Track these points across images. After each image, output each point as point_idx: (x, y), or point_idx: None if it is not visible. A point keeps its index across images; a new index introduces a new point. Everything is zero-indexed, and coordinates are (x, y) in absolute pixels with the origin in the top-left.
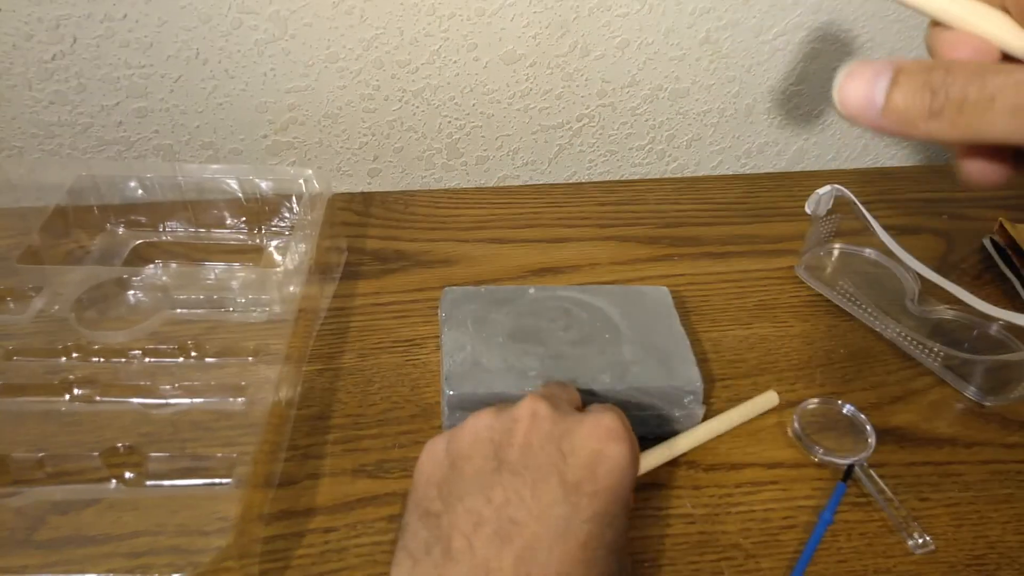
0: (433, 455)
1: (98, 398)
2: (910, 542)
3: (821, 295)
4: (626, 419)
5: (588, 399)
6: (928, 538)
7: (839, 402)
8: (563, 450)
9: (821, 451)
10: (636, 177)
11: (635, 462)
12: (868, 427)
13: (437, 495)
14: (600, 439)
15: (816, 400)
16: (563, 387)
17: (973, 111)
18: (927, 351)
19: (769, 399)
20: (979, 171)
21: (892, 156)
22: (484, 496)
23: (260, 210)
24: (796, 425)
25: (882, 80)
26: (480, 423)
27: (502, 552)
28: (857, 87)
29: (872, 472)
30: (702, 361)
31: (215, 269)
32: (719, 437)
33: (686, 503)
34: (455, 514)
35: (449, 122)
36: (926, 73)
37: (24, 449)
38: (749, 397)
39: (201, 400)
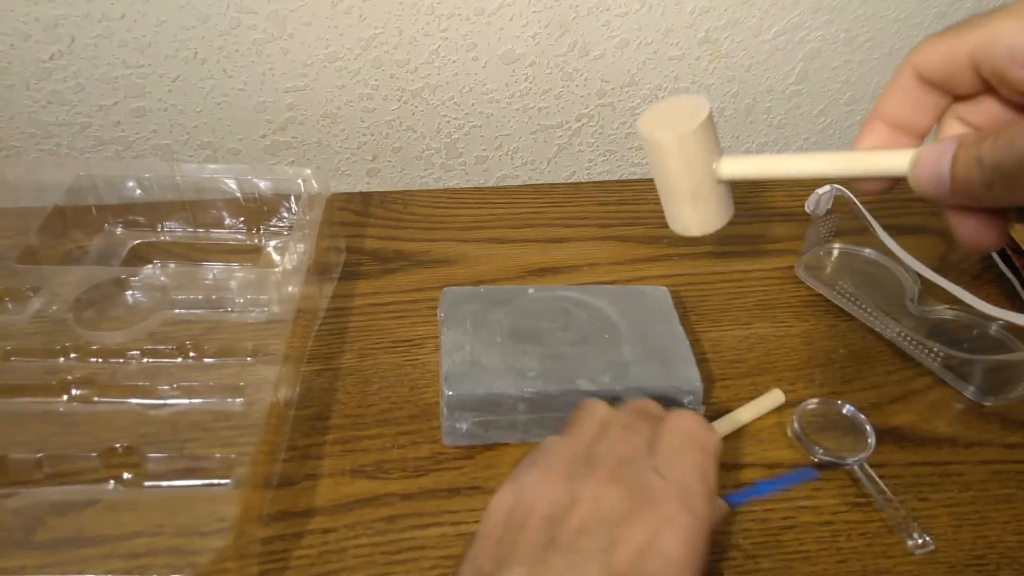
0: (498, 509)
1: (96, 399)
2: (910, 542)
3: (821, 295)
4: (709, 479)
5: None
6: (928, 538)
7: (839, 402)
8: (614, 537)
9: (821, 451)
10: (635, 177)
11: (696, 553)
12: (868, 427)
13: (489, 556)
14: (655, 527)
15: (816, 400)
16: (644, 414)
17: (1010, 178)
18: (927, 351)
19: (775, 397)
20: (974, 233)
21: None
22: (528, 571)
23: (259, 210)
24: (796, 425)
25: (946, 158)
26: (543, 488)
27: None
28: (924, 168)
29: (872, 472)
30: (701, 361)
31: (214, 269)
32: None
33: None
34: None
35: (448, 122)
36: (978, 145)
37: (22, 450)
38: (749, 397)
39: (200, 400)
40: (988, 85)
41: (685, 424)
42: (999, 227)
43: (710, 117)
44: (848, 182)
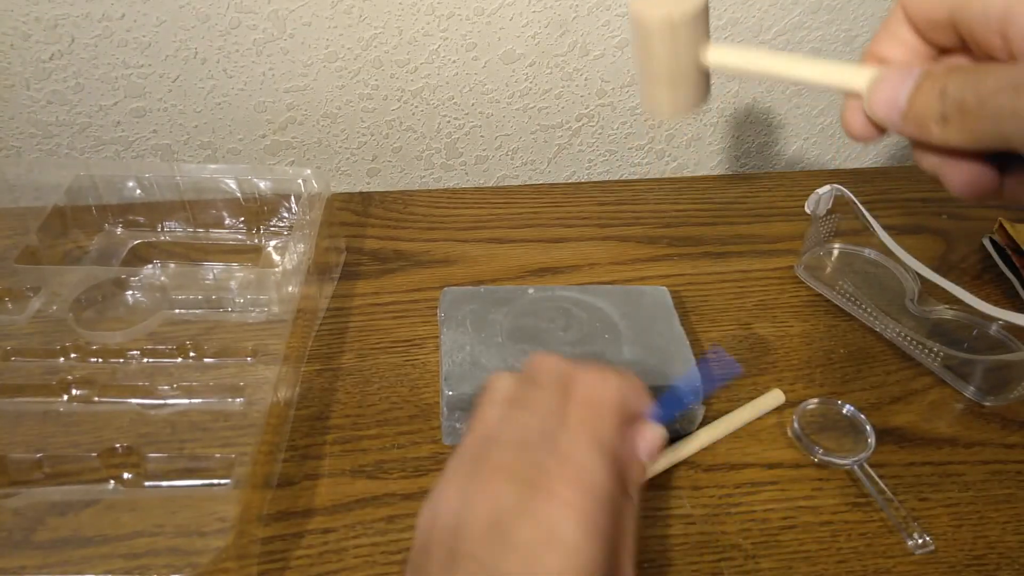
0: (419, 529)
1: (96, 398)
2: (910, 542)
3: (821, 295)
4: (605, 445)
5: None
6: (928, 538)
7: (839, 402)
8: (509, 540)
9: (821, 451)
10: (635, 177)
11: (599, 531)
12: (868, 427)
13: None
14: (549, 517)
15: (816, 400)
16: (550, 380)
17: (974, 116)
18: (927, 351)
19: (775, 397)
20: (969, 180)
21: (891, 156)
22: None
23: (259, 210)
24: (796, 425)
25: (908, 82)
26: (443, 499)
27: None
28: (884, 89)
29: (872, 472)
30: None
31: (213, 269)
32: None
33: (685, 503)
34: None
35: (448, 122)
36: (946, 76)
37: (22, 450)
38: (749, 398)
39: (199, 400)
40: (965, 44)
41: (586, 387)
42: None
43: (706, 8)
44: (846, 123)
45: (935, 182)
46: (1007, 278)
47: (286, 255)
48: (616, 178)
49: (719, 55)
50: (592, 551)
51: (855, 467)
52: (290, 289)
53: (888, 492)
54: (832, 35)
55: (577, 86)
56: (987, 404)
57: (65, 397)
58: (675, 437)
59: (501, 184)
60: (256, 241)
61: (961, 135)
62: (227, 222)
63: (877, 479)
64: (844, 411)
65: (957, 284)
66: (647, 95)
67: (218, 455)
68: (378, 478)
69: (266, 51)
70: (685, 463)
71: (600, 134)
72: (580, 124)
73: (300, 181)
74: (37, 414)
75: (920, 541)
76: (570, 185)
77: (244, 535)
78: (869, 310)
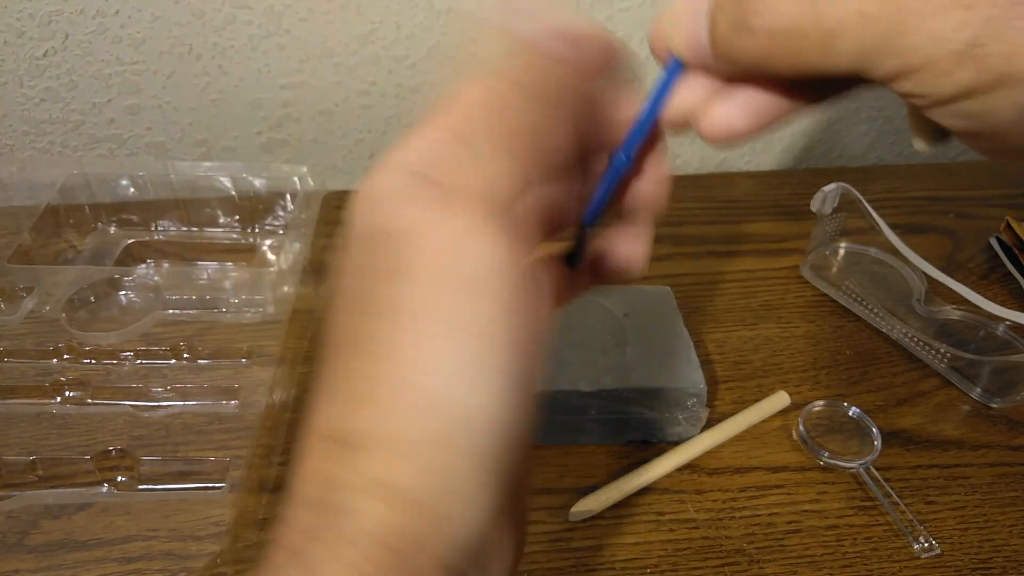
0: None
1: (90, 400)
2: (916, 546)
3: (827, 295)
4: None
5: (589, 401)
6: (934, 542)
7: (844, 404)
8: None
9: (827, 454)
10: None
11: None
12: (874, 430)
13: None
14: None
15: (821, 403)
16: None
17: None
18: (933, 352)
19: (780, 399)
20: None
21: (898, 154)
22: None
23: (254, 208)
24: (801, 428)
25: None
26: None
27: None
28: (681, 27)
29: (879, 475)
30: (706, 363)
31: (208, 269)
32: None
33: (688, 508)
34: None
35: None
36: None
37: (15, 452)
38: (754, 399)
39: (194, 403)
40: None
41: None
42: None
43: None
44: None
45: (942, 180)
46: (1014, 278)
47: (281, 254)
48: None
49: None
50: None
51: (861, 470)
52: (286, 289)
53: (894, 495)
54: None
55: None
56: (994, 405)
57: (58, 399)
58: (678, 440)
59: None
60: (251, 240)
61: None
62: (222, 221)
63: (883, 483)
64: (850, 413)
65: (964, 284)
66: None
67: (213, 458)
68: None
69: (262, 47)
70: (689, 466)
71: None
72: None
73: (296, 179)
74: (30, 416)
75: (926, 545)
76: None
77: (239, 539)
78: (875, 310)
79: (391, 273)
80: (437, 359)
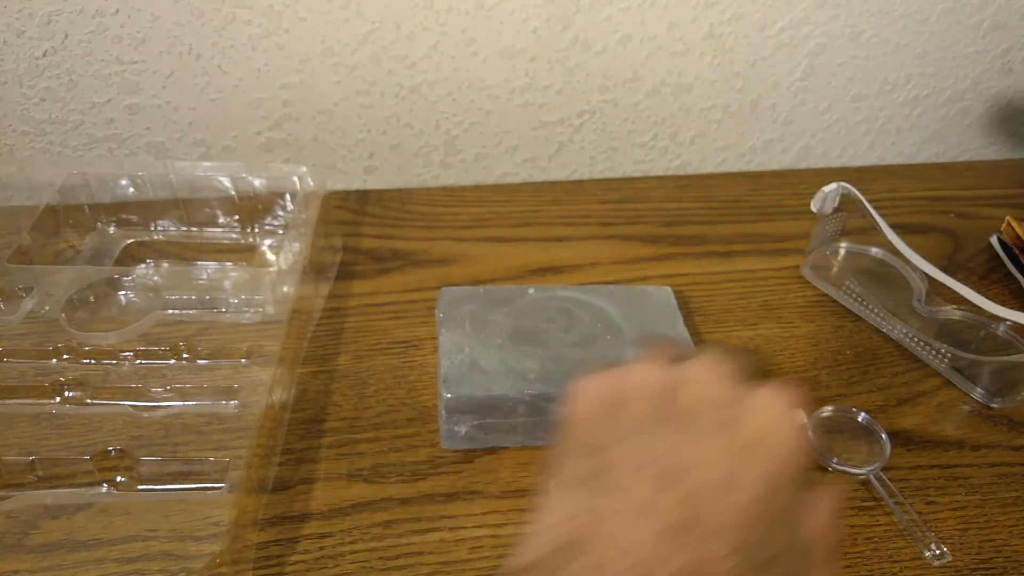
0: (590, 395)
1: (89, 400)
2: (927, 553)
3: (827, 295)
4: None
5: None
6: (945, 548)
7: (854, 409)
8: (728, 419)
9: (835, 460)
10: (638, 174)
11: (801, 450)
12: (884, 436)
13: (597, 433)
14: (770, 418)
15: (830, 408)
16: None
17: None
18: (934, 352)
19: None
20: None
21: (899, 154)
22: (646, 443)
23: (253, 208)
24: (808, 434)
25: None
26: (647, 374)
27: (666, 493)
28: None
29: (886, 479)
30: None
31: (207, 269)
32: None
33: None
34: (616, 453)
35: (447, 118)
36: None
37: (14, 452)
38: None
39: (193, 403)
40: None
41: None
42: None
43: None
44: None
45: (942, 180)
46: (1015, 277)
47: (281, 254)
48: (618, 175)
49: None
50: (800, 443)
51: (871, 476)
52: (285, 289)
53: (899, 496)
54: (838, 31)
55: (578, 82)
56: (995, 406)
57: (58, 399)
58: None
59: (501, 182)
60: (251, 240)
61: None
62: (221, 220)
63: (890, 484)
64: (860, 419)
65: (965, 284)
66: None
67: (212, 458)
68: (375, 482)
69: (261, 47)
70: None
71: (602, 131)
72: (582, 121)
73: (295, 179)
74: (29, 416)
75: (937, 552)
76: (571, 183)
77: (239, 540)
78: (876, 310)
79: None
80: None
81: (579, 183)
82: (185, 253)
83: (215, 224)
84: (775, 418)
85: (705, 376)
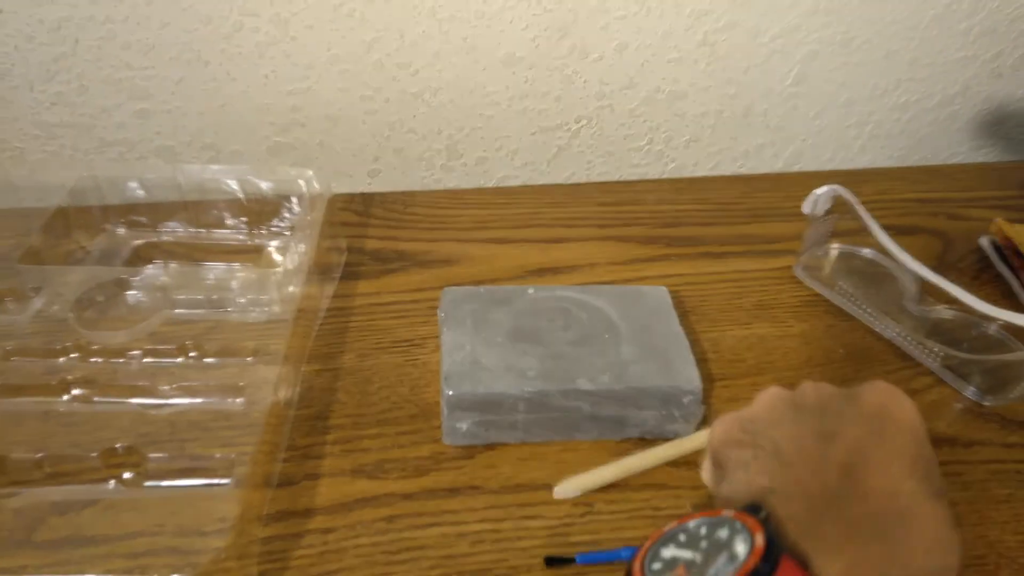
0: (727, 421)
1: (97, 398)
2: None
3: (820, 295)
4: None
5: (587, 399)
6: None
7: None
8: (849, 397)
9: None
10: (634, 178)
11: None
12: None
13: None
14: (883, 393)
15: None
16: None
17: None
18: (926, 351)
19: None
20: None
21: (889, 158)
22: (793, 427)
23: (260, 210)
24: None
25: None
26: (770, 395)
27: (829, 447)
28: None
29: None
30: (701, 361)
31: (215, 269)
32: None
33: (686, 505)
34: (774, 434)
35: (448, 123)
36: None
37: (23, 449)
38: (749, 397)
39: (200, 400)
40: None
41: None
42: None
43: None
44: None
45: (933, 182)
46: (1004, 278)
47: (287, 255)
48: (615, 179)
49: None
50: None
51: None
52: (291, 289)
53: None
54: (829, 37)
55: (576, 88)
56: (986, 404)
57: (66, 397)
58: (675, 438)
59: (501, 185)
60: (257, 241)
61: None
62: (228, 222)
63: None
64: None
65: (956, 284)
66: None
67: (218, 455)
68: (378, 478)
69: (268, 53)
70: (684, 462)
71: (599, 135)
72: (579, 126)
73: (301, 182)
74: (38, 414)
75: None
76: (570, 186)
77: (244, 535)
78: (868, 310)
79: None
80: None
81: (577, 186)
82: (193, 254)
83: (223, 226)
84: (887, 393)
85: (815, 386)
